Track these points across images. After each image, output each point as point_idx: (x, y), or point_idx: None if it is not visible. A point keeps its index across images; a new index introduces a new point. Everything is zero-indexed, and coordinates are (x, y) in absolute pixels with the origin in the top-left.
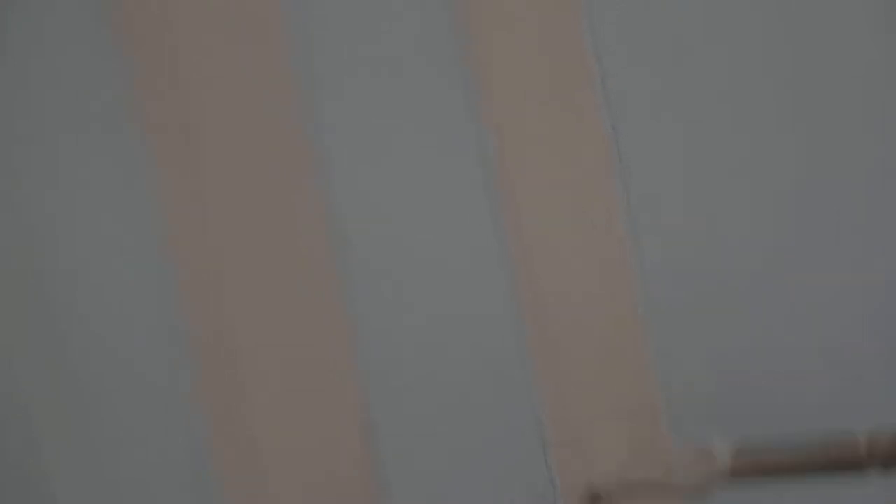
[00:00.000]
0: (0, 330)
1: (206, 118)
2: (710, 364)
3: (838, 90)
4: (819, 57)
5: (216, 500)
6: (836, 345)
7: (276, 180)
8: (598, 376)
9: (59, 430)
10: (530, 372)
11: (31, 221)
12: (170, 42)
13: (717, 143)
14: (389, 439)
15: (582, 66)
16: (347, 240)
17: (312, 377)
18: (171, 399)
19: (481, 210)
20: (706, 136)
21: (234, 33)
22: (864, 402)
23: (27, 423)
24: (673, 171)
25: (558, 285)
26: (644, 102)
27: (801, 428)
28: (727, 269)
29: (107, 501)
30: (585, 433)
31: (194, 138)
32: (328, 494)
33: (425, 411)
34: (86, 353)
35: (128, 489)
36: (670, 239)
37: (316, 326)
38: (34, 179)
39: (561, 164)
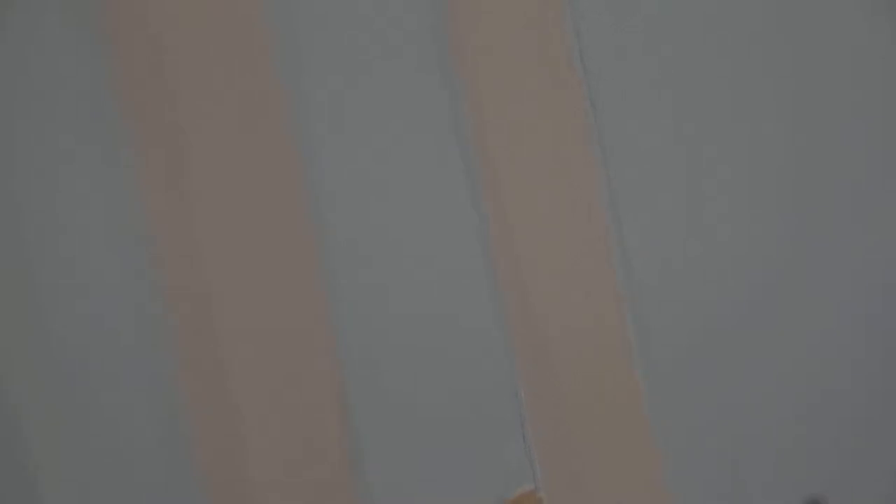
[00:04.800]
0: None
1: (187, 107)
2: (694, 349)
3: (832, 79)
4: (814, 44)
5: (192, 469)
6: (837, 344)
7: (260, 171)
8: (577, 354)
9: (35, 397)
10: (509, 349)
11: (19, 205)
12: (152, 40)
13: (702, 125)
14: (365, 413)
15: (566, 63)
16: (328, 224)
17: (290, 354)
18: (150, 372)
19: (461, 194)
20: (692, 119)
21: (217, 33)
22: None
23: (5, 391)
24: (656, 157)
25: (537, 264)
26: (626, 86)
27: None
28: (709, 257)
29: (84, 470)
30: (564, 411)
31: (175, 125)
32: (303, 464)
33: (401, 386)
34: (64, 322)
35: (104, 456)
36: (653, 226)
37: (295, 305)
38: (23, 172)
39: (542, 147)
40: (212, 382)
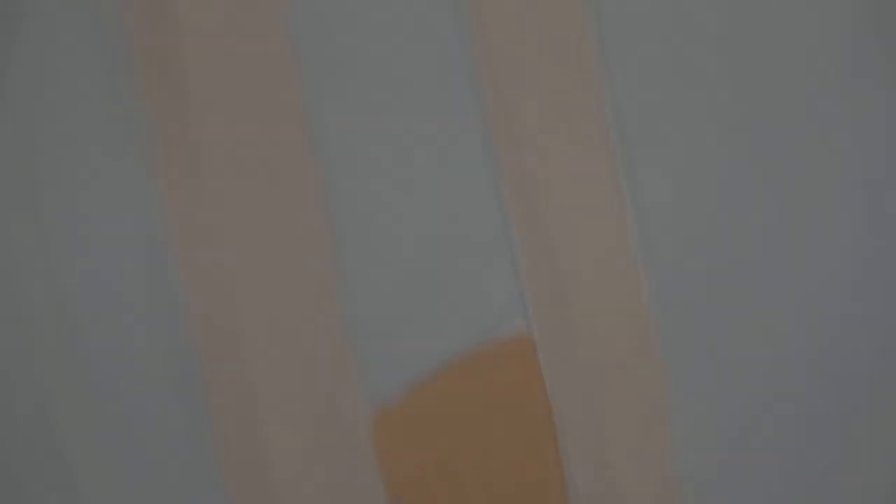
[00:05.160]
0: (13, 315)
1: (212, 122)
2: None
3: (832, 79)
4: (813, 43)
5: (215, 471)
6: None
7: (284, 182)
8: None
9: (60, 379)
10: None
11: (44, 219)
12: (176, 52)
13: (718, 111)
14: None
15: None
16: (352, 228)
17: (312, 356)
18: (175, 382)
19: (482, 184)
20: (706, 106)
21: (237, 38)
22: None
23: (37, 389)
24: (671, 137)
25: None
26: (646, 77)
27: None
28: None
29: (103, 443)
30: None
31: (199, 139)
32: (325, 462)
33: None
34: (94, 337)
35: (134, 462)
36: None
37: (316, 308)
38: (47, 182)
39: (563, 131)
40: (235, 385)
